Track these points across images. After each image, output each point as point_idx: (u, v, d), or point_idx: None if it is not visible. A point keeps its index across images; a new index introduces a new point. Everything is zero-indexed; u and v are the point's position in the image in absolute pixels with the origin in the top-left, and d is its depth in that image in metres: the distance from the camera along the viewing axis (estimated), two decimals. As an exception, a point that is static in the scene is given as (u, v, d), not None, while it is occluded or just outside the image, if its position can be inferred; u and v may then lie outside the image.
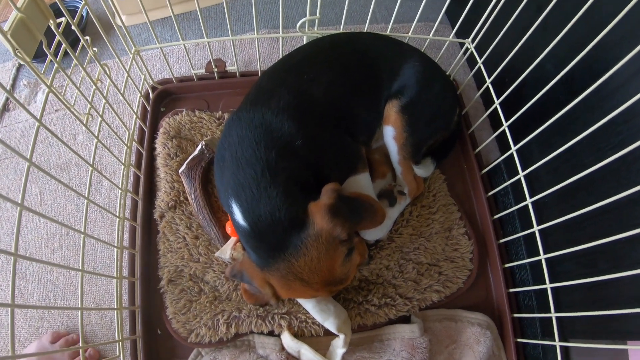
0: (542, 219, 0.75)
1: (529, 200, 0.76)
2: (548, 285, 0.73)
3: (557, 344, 0.71)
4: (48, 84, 0.65)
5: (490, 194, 0.90)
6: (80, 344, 0.64)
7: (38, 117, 0.60)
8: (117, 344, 0.73)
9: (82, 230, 0.67)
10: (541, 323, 0.82)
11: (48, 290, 0.89)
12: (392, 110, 0.78)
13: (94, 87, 0.77)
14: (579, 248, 0.63)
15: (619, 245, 0.58)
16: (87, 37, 0.75)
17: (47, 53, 0.64)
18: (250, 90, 0.75)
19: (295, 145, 0.65)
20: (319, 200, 0.61)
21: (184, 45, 0.91)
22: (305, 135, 0.66)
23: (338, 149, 0.74)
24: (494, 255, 0.87)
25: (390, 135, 0.79)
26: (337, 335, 0.75)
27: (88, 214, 0.72)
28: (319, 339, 0.78)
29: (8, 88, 1.11)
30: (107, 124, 0.80)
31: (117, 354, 0.73)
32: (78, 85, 0.74)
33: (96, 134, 0.76)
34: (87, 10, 1.12)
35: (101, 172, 0.75)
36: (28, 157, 0.56)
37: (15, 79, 1.15)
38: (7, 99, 1.11)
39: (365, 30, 0.91)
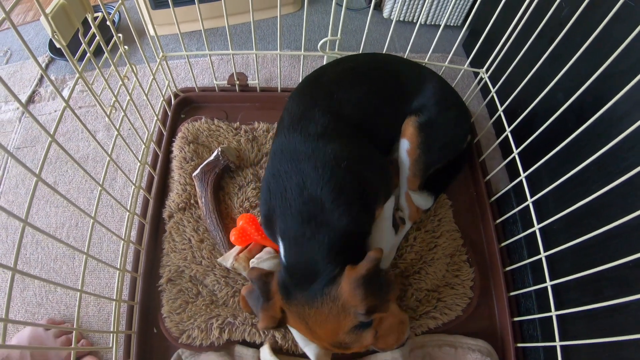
0: (549, 246, 0.75)
1: (536, 227, 0.77)
2: (553, 313, 0.72)
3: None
4: (79, 71, 0.67)
5: (498, 221, 0.91)
6: (75, 326, 0.63)
7: (65, 104, 0.63)
8: (111, 335, 0.72)
9: (92, 216, 0.68)
10: (545, 353, 0.80)
11: (49, 277, 0.90)
12: (410, 125, 0.80)
13: (120, 82, 0.80)
14: (586, 273, 0.63)
15: (627, 270, 0.57)
16: (120, 35, 0.79)
17: (82, 42, 0.66)
18: (282, 117, 0.77)
19: (338, 175, 0.66)
20: (357, 267, 0.60)
21: (209, 55, 0.95)
22: (349, 157, 0.68)
23: (380, 172, 0.75)
24: (499, 282, 0.86)
25: (405, 148, 0.80)
26: None
27: (99, 209, 0.73)
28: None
29: (35, 82, 1.17)
30: (128, 119, 0.82)
31: (111, 345, 0.73)
32: (105, 82, 0.77)
33: (117, 128, 0.79)
34: (120, 15, 1.19)
35: (117, 168, 0.77)
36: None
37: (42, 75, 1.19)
38: (34, 92, 1.16)
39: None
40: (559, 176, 0.70)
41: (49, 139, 0.59)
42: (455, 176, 0.95)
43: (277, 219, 0.67)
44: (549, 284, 0.73)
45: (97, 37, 0.71)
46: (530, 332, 0.85)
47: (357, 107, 0.76)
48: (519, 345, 0.81)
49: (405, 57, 0.98)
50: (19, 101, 0.51)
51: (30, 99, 1.15)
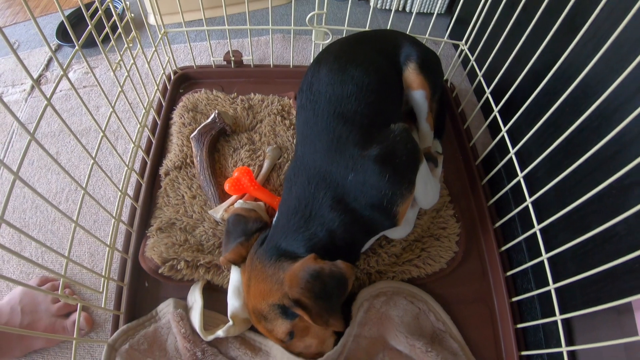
0: (534, 192, 0.76)
1: (520, 175, 0.79)
2: (544, 257, 0.73)
3: (558, 318, 0.69)
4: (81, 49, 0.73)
5: (485, 180, 0.94)
6: (63, 272, 0.63)
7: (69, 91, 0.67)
8: (101, 280, 0.74)
9: (93, 157, 0.71)
10: (540, 300, 0.80)
11: (47, 238, 0.92)
12: (412, 73, 0.84)
13: (125, 45, 0.86)
14: (569, 209, 0.65)
15: (610, 200, 0.60)
16: (128, 3, 0.85)
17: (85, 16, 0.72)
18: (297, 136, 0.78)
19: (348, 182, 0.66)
20: (318, 260, 0.61)
21: (206, 31, 1.02)
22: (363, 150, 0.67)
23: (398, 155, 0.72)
24: (490, 239, 0.88)
25: (422, 97, 0.85)
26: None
27: (98, 172, 0.76)
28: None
29: (42, 68, 1.24)
30: (131, 80, 0.87)
31: (101, 290, 0.74)
32: (110, 61, 0.82)
33: (121, 85, 0.84)
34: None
35: (117, 136, 0.80)
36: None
37: (50, 60, 1.28)
38: (40, 75, 1.22)
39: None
40: (536, 124, 0.73)
41: (62, 106, 0.63)
42: (444, 120, 1.02)
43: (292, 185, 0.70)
44: (537, 228, 0.75)
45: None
46: (524, 286, 0.86)
47: (367, 95, 0.74)
48: (514, 299, 0.82)
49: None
50: (30, 76, 0.56)
51: (37, 82, 1.21)
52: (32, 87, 1.20)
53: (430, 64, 0.86)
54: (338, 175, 0.66)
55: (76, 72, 1.23)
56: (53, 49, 1.26)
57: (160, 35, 1.01)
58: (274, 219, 0.71)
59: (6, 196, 0.52)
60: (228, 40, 1.05)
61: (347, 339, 0.72)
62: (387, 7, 1.40)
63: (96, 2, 0.77)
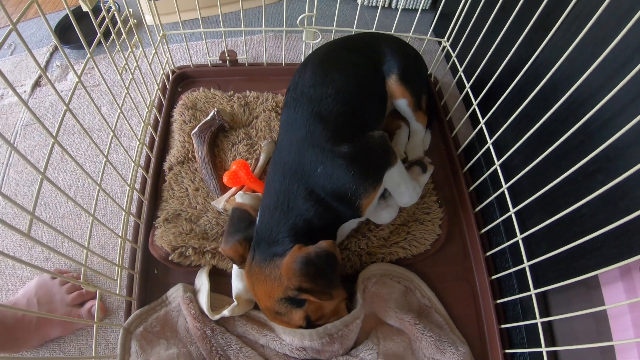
0: (509, 177, 0.84)
1: (497, 164, 0.87)
2: (519, 237, 0.81)
3: (532, 292, 0.75)
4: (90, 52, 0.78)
5: (466, 168, 1.01)
6: (84, 261, 0.69)
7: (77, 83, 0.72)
8: (116, 269, 0.80)
9: (105, 155, 0.77)
10: (517, 276, 0.88)
11: (58, 234, 0.96)
12: (394, 84, 0.91)
13: (129, 49, 0.91)
14: (542, 192, 0.72)
15: (577, 182, 0.67)
16: (131, 10, 0.90)
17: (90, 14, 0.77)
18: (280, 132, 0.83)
19: (318, 174, 0.71)
20: (305, 247, 0.67)
21: (203, 33, 1.07)
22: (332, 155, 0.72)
23: (367, 155, 0.77)
24: (470, 221, 0.95)
25: (405, 104, 0.93)
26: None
27: (106, 169, 0.82)
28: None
29: (42, 67, 1.27)
30: (135, 82, 0.92)
31: (116, 278, 0.80)
32: (116, 62, 0.87)
33: (127, 86, 0.89)
34: (118, 6, 1.31)
35: (120, 135, 0.86)
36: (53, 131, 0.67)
37: (48, 62, 1.31)
38: (39, 76, 1.26)
39: (354, 31, 1.07)
40: (511, 116, 0.80)
41: (64, 108, 0.68)
42: (432, 113, 1.09)
43: (265, 199, 0.76)
44: (512, 211, 0.82)
45: (112, 13, 0.82)
46: (503, 265, 0.94)
47: (346, 99, 0.79)
48: (494, 277, 0.89)
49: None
50: (40, 67, 0.61)
51: (37, 83, 1.25)
52: (33, 89, 1.23)
53: (411, 72, 0.92)
54: (308, 167, 0.71)
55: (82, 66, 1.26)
56: (51, 50, 1.30)
57: (159, 38, 1.05)
58: (258, 216, 0.76)
59: (36, 193, 0.57)
60: (223, 40, 1.10)
61: (359, 314, 0.78)
62: (374, 4, 1.46)
63: (102, 6, 0.81)
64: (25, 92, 1.24)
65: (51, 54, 1.32)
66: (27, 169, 1.08)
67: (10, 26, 0.55)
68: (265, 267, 0.69)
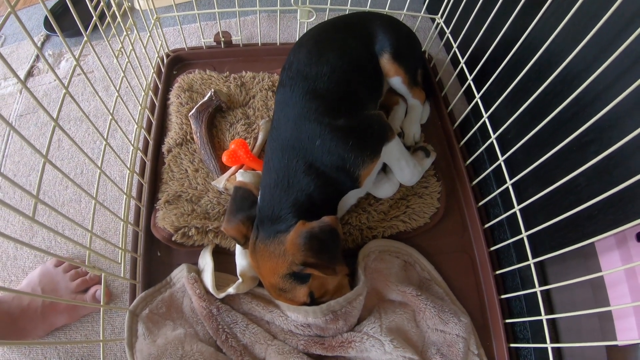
0: (505, 151, 0.84)
1: (493, 137, 0.88)
2: (516, 209, 0.82)
3: (531, 262, 0.76)
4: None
5: (462, 142, 1.02)
6: (88, 245, 0.70)
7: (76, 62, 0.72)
8: (119, 252, 0.80)
9: (105, 139, 0.77)
10: (515, 248, 0.90)
11: (58, 221, 0.97)
12: (387, 63, 0.91)
13: (124, 32, 0.90)
14: (536, 164, 0.73)
15: (571, 155, 0.68)
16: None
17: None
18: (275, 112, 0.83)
19: (316, 147, 0.72)
20: (308, 223, 0.68)
21: (197, 15, 1.06)
22: (329, 130, 0.73)
23: (364, 129, 0.78)
24: (468, 194, 0.96)
25: (399, 82, 0.94)
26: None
27: (105, 153, 0.82)
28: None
29: (33, 58, 1.26)
30: (131, 65, 0.92)
31: (119, 261, 0.80)
32: (112, 47, 0.86)
33: (123, 70, 0.88)
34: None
35: (118, 120, 0.84)
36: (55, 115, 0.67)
37: (40, 50, 1.28)
38: (32, 66, 1.24)
39: (348, 9, 1.07)
40: (507, 88, 0.81)
41: (57, 96, 0.68)
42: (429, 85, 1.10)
43: (264, 177, 0.77)
44: (509, 183, 0.83)
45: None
46: (501, 236, 0.95)
47: (339, 78, 0.80)
48: (492, 248, 0.90)
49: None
50: (44, 56, 0.60)
51: (30, 73, 1.24)
52: (25, 79, 1.22)
53: (403, 49, 0.93)
54: (306, 141, 0.73)
55: (68, 61, 1.25)
56: (42, 39, 1.29)
57: (153, 21, 1.04)
58: (259, 195, 0.77)
59: (39, 178, 0.57)
60: (217, 22, 1.10)
61: (362, 291, 0.79)
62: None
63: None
64: (17, 82, 1.22)
65: (42, 44, 1.30)
66: (24, 159, 1.07)
67: (9, 9, 0.54)
68: (269, 244, 0.70)
